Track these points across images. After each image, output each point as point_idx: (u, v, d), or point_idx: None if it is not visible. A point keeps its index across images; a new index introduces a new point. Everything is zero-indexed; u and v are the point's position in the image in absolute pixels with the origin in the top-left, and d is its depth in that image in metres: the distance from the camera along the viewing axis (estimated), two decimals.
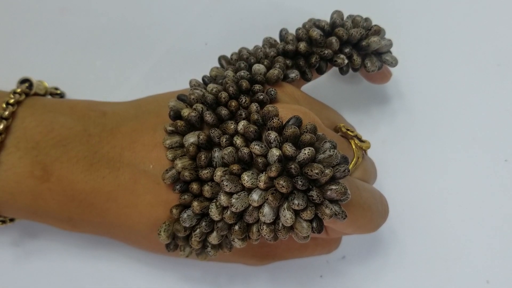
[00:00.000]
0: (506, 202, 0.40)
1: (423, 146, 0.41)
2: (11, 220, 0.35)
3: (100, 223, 0.32)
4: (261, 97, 0.29)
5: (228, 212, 0.27)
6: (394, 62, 0.36)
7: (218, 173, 0.27)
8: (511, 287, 0.38)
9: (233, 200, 0.26)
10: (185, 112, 0.29)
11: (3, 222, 0.34)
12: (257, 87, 0.30)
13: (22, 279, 0.37)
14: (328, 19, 0.35)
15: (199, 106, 0.29)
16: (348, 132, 0.33)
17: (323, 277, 0.39)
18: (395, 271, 0.39)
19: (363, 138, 0.34)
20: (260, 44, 0.35)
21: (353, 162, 0.32)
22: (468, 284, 0.38)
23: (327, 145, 0.26)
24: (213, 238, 0.28)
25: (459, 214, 0.40)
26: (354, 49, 0.35)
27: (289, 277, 0.39)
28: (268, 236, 0.26)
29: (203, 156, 0.28)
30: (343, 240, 0.38)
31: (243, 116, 0.28)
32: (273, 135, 0.26)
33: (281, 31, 0.35)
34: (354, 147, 0.33)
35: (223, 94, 0.29)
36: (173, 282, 0.38)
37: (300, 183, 0.25)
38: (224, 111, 0.29)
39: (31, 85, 0.35)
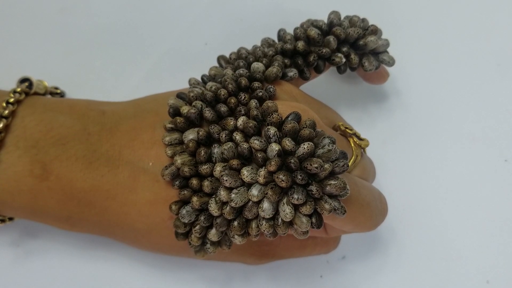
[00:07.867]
0: (506, 202, 0.40)
1: (423, 146, 0.41)
2: (10, 219, 0.35)
3: (99, 222, 0.31)
4: (260, 94, 0.29)
5: (228, 207, 0.26)
6: (391, 62, 0.36)
7: (218, 168, 0.27)
8: (511, 287, 0.38)
9: (233, 195, 0.26)
10: (185, 109, 0.29)
11: (2, 221, 0.34)
12: (256, 84, 0.30)
13: (22, 279, 0.37)
14: (326, 20, 0.35)
15: (198, 103, 0.29)
16: (347, 130, 0.33)
17: (323, 277, 0.38)
18: (395, 271, 0.39)
19: (362, 136, 0.34)
20: (258, 44, 0.35)
21: (352, 160, 0.32)
22: (468, 284, 0.38)
23: (326, 140, 0.26)
24: (213, 235, 0.28)
25: (459, 214, 0.40)
26: (352, 48, 0.35)
27: (289, 277, 0.38)
28: (268, 232, 0.26)
29: (202, 151, 0.28)
30: (343, 240, 0.37)
31: (243, 112, 0.28)
32: (272, 130, 0.26)
33: (279, 31, 0.35)
34: (353, 145, 0.33)
35: (222, 92, 0.29)
36: (173, 282, 0.38)
37: (299, 177, 0.25)
38: (223, 108, 0.29)
39: (31, 84, 0.35)
